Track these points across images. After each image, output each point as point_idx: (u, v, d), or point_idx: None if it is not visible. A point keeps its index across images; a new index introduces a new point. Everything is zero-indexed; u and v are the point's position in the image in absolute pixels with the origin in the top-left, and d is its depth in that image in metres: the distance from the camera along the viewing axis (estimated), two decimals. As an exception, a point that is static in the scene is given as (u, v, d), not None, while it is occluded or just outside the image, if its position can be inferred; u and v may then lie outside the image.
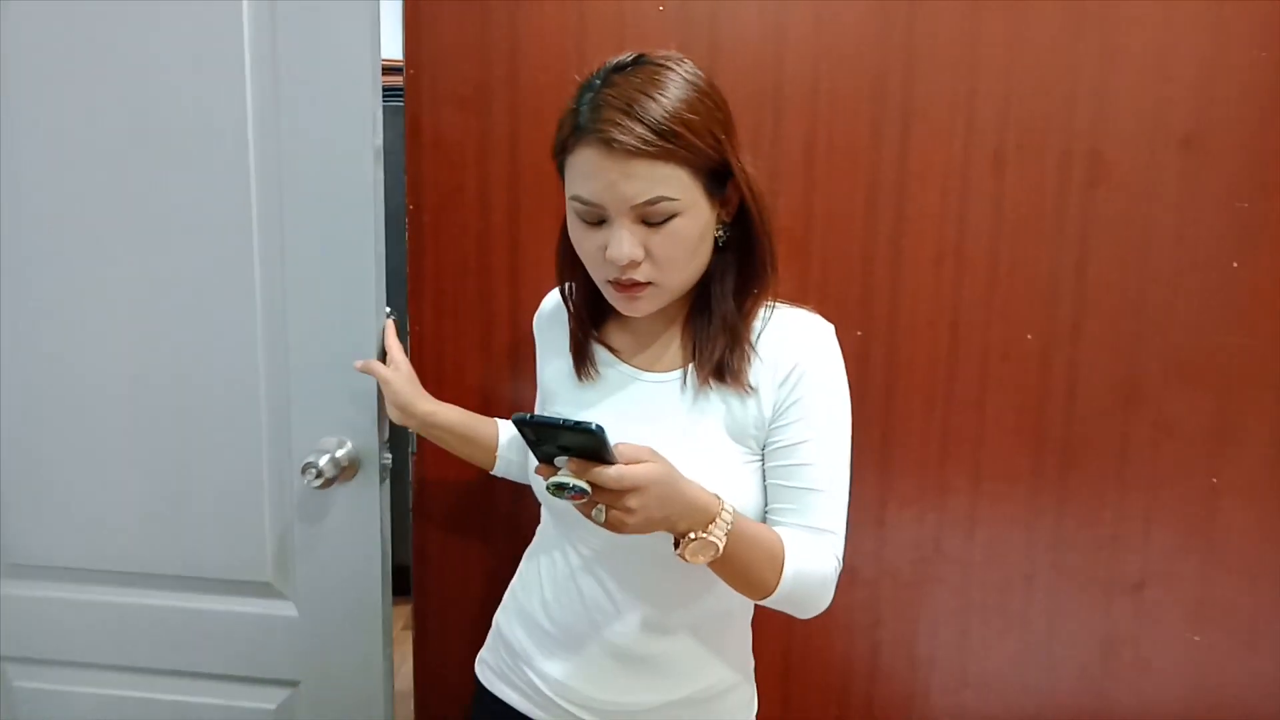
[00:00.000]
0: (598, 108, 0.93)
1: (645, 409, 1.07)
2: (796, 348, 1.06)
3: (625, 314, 1.05)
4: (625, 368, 1.10)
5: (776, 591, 1.00)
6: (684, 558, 0.93)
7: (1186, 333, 1.47)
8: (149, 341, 1.37)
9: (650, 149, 0.91)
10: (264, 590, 1.44)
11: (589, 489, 0.85)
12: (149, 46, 1.30)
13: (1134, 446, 1.50)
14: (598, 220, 0.97)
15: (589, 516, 0.88)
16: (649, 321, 1.10)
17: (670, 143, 0.92)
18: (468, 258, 1.43)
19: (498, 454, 1.31)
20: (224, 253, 1.34)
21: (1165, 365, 1.49)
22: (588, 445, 0.84)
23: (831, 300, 1.46)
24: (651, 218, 0.95)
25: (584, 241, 1.00)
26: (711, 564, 0.95)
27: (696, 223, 0.97)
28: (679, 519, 0.91)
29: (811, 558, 1.01)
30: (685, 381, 1.07)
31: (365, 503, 1.41)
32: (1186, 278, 1.46)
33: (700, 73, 0.98)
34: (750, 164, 1.01)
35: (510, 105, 1.38)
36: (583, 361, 1.12)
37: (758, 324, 1.07)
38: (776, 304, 1.08)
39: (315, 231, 1.33)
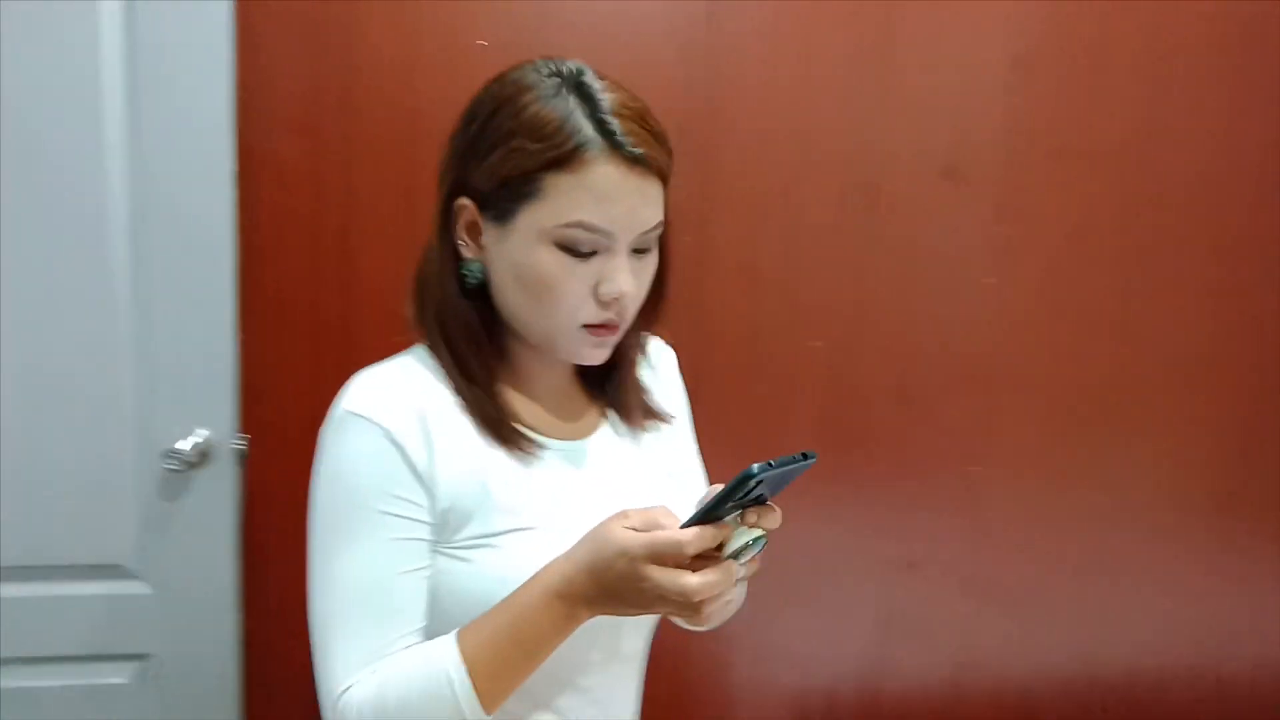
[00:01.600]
0: (603, 115, 0.81)
1: (608, 473, 0.94)
2: (667, 370, 1.08)
3: (586, 362, 0.90)
4: (555, 443, 0.93)
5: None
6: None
7: (951, 340, 1.70)
8: (6, 340, 1.48)
9: (665, 165, 0.84)
10: (117, 572, 1.55)
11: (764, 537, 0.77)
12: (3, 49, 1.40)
13: (908, 440, 1.71)
14: (592, 251, 0.83)
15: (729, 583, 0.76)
16: (547, 384, 0.95)
17: (669, 162, 0.85)
18: (300, 280, 1.54)
19: None
20: (83, 253, 1.45)
21: (933, 369, 1.70)
22: (783, 487, 0.77)
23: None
24: (644, 245, 0.85)
25: (568, 278, 0.83)
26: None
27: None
28: None
29: None
30: (616, 431, 0.98)
31: (220, 485, 1.54)
32: (949, 293, 1.68)
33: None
34: None
35: (343, 130, 1.52)
36: (516, 441, 0.89)
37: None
38: None
39: (172, 235, 1.46)
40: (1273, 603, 1.83)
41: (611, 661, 0.95)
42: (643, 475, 0.97)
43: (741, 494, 0.73)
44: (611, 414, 0.98)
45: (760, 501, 0.77)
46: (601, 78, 0.84)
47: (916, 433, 1.71)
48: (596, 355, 0.89)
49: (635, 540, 0.74)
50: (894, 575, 1.75)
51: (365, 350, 1.52)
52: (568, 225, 0.81)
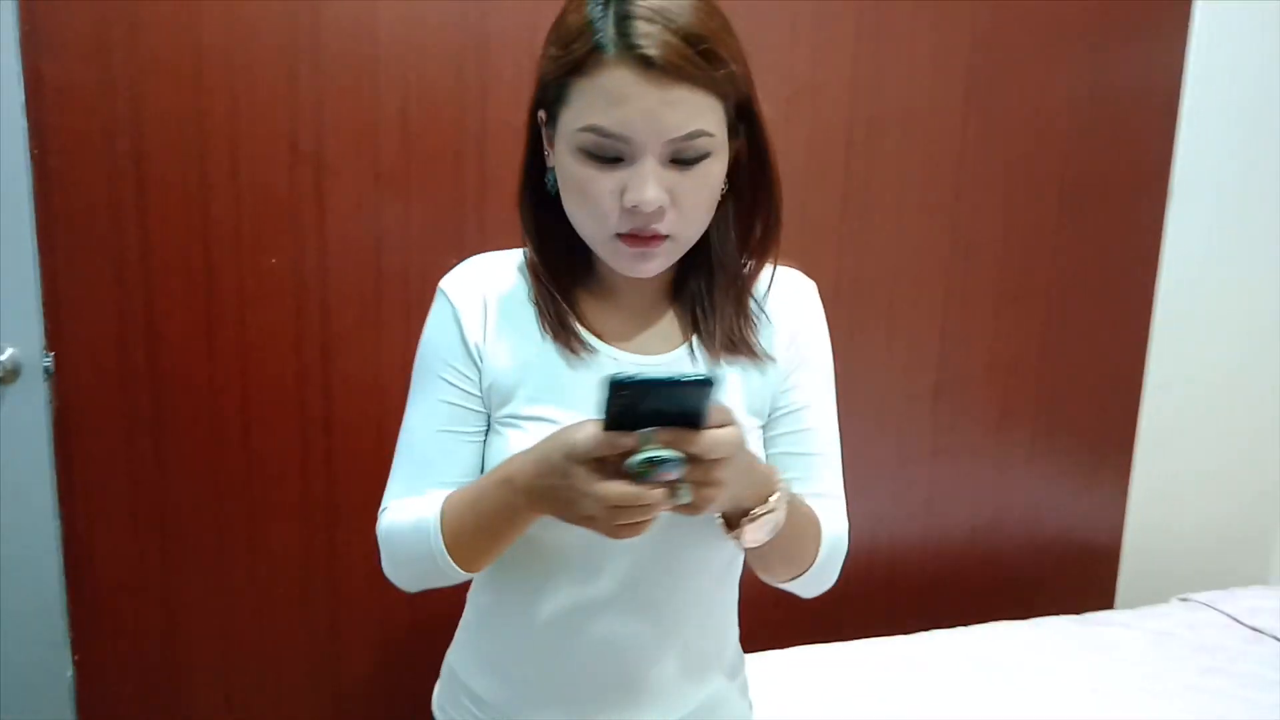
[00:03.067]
0: (626, 19, 0.79)
1: None
2: (799, 307, 0.99)
3: (630, 275, 0.89)
4: (617, 352, 0.94)
5: (814, 565, 0.94)
6: (740, 538, 0.86)
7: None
8: None
9: (696, 71, 0.80)
10: (-64, 484, 1.66)
11: (684, 460, 0.74)
12: None
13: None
14: (615, 157, 0.83)
15: (665, 503, 0.75)
16: (631, 297, 0.96)
17: (713, 66, 0.81)
18: (97, 201, 1.63)
19: None
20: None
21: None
22: (686, 407, 0.74)
23: (428, 233, 1.81)
24: (684, 155, 0.83)
25: (591, 184, 0.83)
26: (765, 542, 0.88)
27: (722, 166, 0.87)
28: (746, 491, 0.84)
29: (833, 524, 0.98)
30: (694, 357, 0.95)
31: (31, 400, 1.65)
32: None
33: None
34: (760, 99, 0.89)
35: (130, 56, 1.60)
36: (569, 341, 0.93)
37: (762, 284, 0.98)
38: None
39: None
40: (977, 473, 2.19)
41: (669, 570, 0.94)
42: None
43: (616, 406, 0.73)
44: (695, 339, 0.96)
45: (679, 422, 0.74)
46: None
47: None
48: (639, 267, 0.88)
49: (569, 435, 0.77)
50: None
51: (164, 265, 1.68)
52: (582, 130, 0.82)
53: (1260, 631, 1.95)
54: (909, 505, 2.16)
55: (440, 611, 1.92)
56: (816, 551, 0.95)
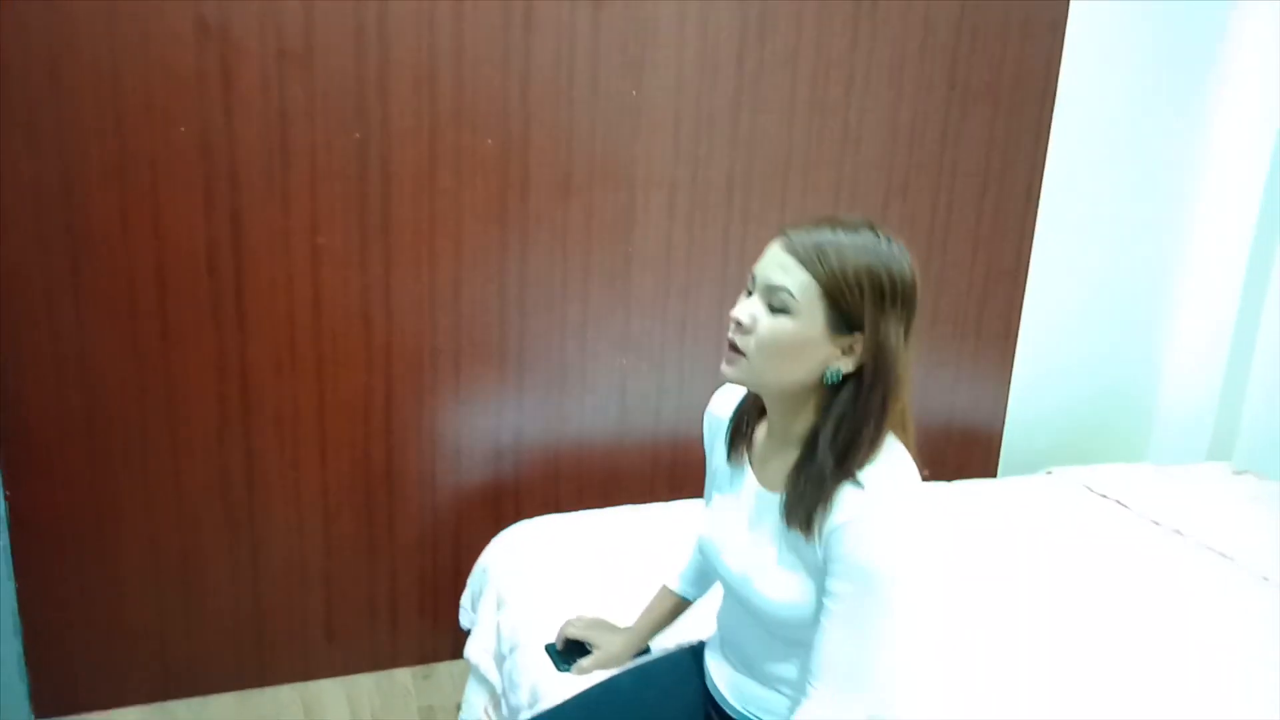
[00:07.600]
0: (806, 223, 1.13)
1: (749, 517, 1.23)
2: (851, 509, 1.09)
3: (722, 373, 1.16)
4: (750, 472, 1.24)
5: None
6: None
7: (601, 143, 2.07)
8: None
9: (805, 255, 1.09)
10: None
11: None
12: None
13: (571, 225, 2.09)
14: (750, 290, 1.14)
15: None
16: (781, 432, 1.19)
17: (817, 261, 1.08)
18: (11, 72, 1.79)
19: (685, 600, 1.49)
20: None
21: (590, 168, 2.07)
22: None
23: (331, 111, 1.93)
24: (772, 301, 1.10)
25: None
26: None
27: (801, 331, 1.09)
28: None
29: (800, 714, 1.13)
30: (781, 508, 1.17)
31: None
32: (601, 104, 2.04)
33: (896, 259, 1.10)
34: (899, 338, 1.10)
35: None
36: (731, 449, 1.28)
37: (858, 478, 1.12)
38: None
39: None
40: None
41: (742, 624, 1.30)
42: (761, 534, 1.20)
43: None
44: (787, 499, 1.17)
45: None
46: (852, 226, 1.13)
47: (579, 219, 2.09)
48: (722, 368, 1.15)
49: None
50: (568, 339, 2.15)
51: (79, 136, 1.79)
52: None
53: (1105, 497, 2.12)
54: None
55: (334, 479, 2.06)
56: None
